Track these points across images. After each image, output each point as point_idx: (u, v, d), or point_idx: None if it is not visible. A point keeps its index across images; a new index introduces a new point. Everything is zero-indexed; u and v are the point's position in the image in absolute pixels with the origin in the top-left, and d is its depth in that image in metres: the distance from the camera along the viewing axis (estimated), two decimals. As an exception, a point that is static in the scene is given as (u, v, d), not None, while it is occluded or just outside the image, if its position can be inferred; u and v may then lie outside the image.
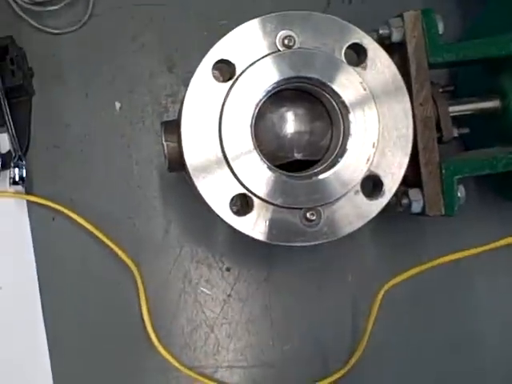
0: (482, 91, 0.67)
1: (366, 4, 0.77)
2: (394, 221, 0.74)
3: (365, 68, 0.58)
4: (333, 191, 0.57)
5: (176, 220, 0.75)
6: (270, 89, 0.57)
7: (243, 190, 0.57)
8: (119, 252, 0.72)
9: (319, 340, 0.75)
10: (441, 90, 0.65)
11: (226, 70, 0.58)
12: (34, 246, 0.73)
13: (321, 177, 0.57)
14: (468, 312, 0.76)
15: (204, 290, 0.75)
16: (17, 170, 0.70)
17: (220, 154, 0.57)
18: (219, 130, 0.57)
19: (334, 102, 0.58)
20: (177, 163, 0.59)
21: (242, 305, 0.75)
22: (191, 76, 0.57)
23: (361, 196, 0.58)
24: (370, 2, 0.78)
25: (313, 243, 0.58)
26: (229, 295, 0.75)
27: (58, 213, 0.73)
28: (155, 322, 0.73)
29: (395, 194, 0.59)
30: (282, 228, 0.57)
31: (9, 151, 0.72)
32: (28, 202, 0.74)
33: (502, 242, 0.68)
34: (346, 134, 0.58)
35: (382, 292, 0.69)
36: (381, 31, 0.60)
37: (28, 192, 0.73)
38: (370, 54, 0.58)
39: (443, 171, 0.61)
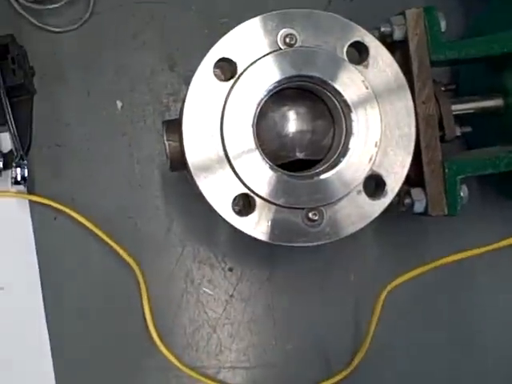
0: (485, 89, 0.67)
1: (367, 2, 0.77)
2: (396, 221, 0.73)
3: (367, 66, 0.58)
4: (335, 191, 0.57)
5: (178, 219, 0.75)
6: (271, 88, 0.57)
7: (245, 190, 0.57)
8: (121, 251, 0.72)
9: (322, 340, 0.75)
10: (443, 88, 0.65)
11: (227, 69, 0.57)
12: (36, 246, 0.73)
13: (323, 176, 0.57)
14: (470, 312, 0.76)
15: (206, 290, 0.75)
16: (19, 169, 0.70)
17: (222, 154, 0.57)
18: (221, 129, 0.56)
19: (335, 101, 0.58)
20: (178, 162, 0.59)
21: (244, 305, 0.75)
22: (192, 74, 0.57)
23: (363, 196, 0.58)
24: (371, -1, 0.77)
25: (315, 243, 0.58)
26: (231, 295, 0.75)
27: (59, 212, 0.73)
28: (157, 322, 0.73)
29: (398, 194, 0.59)
30: (284, 228, 0.57)
31: (10, 151, 0.72)
32: (30, 201, 0.74)
33: (505, 242, 0.67)
34: (348, 133, 0.57)
35: (384, 292, 0.68)
36: (383, 29, 0.60)
37: (30, 191, 0.73)
38: (371, 52, 0.58)
39: (446, 170, 0.60)
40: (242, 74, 0.56)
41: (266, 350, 0.75)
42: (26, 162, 0.71)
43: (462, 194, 0.61)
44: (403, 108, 0.58)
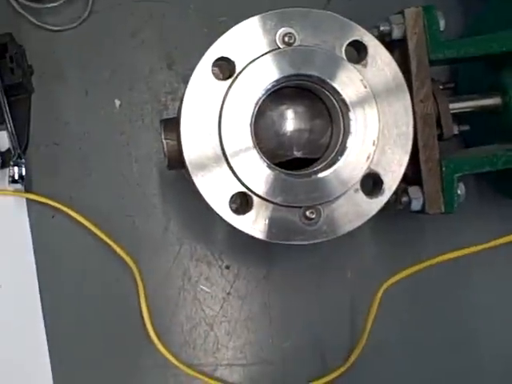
0: (483, 88, 0.67)
1: (366, 0, 0.77)
2: (393, 219, 0.73)
3: (365, 65, 0.58)
4: (332, 189, 0.57)
5: (175, 218, 0.75)
6: (269, 86, 0.57)
7: (243, 189, 0.57)
8: (118, 249, 0.72)
9: (318, 338, 0.75)
10: (441, 86, 0.65)
11: (225, 68, 0.57)
12: (33, 244, 0.73)
13: (320, 175, 0.57)
14: (467, 310, 0.76)
15: (203, 287, 0.75)
16: (16, 168, 0.70)
17: (219, 152, 0.57)
18: (219, 127, 0.56)
19: (334, 100, 0.58)
20: (176, 161, 0.59)
21: (241, 302, 0.75)
22: (191, 73, 0.57)
23: (360, 194, 0.58)
24: (370, -2, 0.77)
25: (312, 242, 0.58)
26: (228, 293, 0.75)
27: (57, 211, 0.73)
28: (154, 320, 0.73)
29: (395, 192, 0.59)
30: (281, 226, 0.57)
31: (8, 149, 0.72)
32: (27, 200, 0.74)
33: (502, 240, 0.68)
34: (346, 132, 0.57)
35: (381, 290, 0.69)
36: (381, 28, 0.60)
37: (27, 190, 0.73)
38: (370, 51, 0.58)
39: (443, 169, 0.60)
40: (240, 72, 0.56)
41: (262, 348, 0.75)
42: (23, 160, 0.71)
43: (459, 192, 0.61)
44: (401, 107, 0.58)
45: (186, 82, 0.57)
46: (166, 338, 0.73)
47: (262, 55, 0.56)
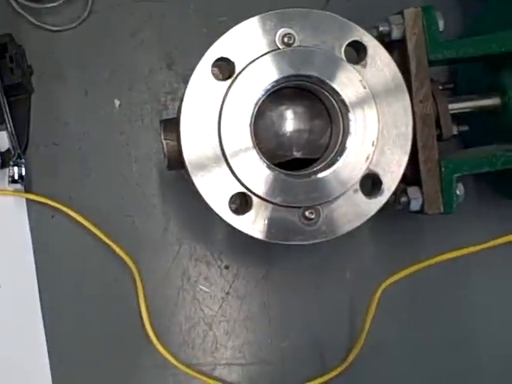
0: (482, 89, 0.67)
1: (365, 1, 0.77)
2: (392, 219, 0.74)
3: (365, 66, 0.58)
4: (332, 190, 0.57)
5: (175, 218, 0.75)
6: (269, 87, 0.57)
7: (242, 189, 0.57)
8: (118, 250, 0.72)
9: (317, 338, 0.75)
10: (441, 87, 0.65)
11: (225, 68, 0.57)
12: (33, 244, 0.73)
13: (320, 175, 0.57)
14: (466, 310, 0.76)
15: (202, 287, 0.75)
16: (16, 168, 0.70)
17: (219, 153, 0.57)
18: (218, 128, 0.56)
19: (333, 101, 0.58)
20: (176, 161, 0.59)
21: (240, 302, 0.75)
22: (191, 73, 0.57)
23: (360, 194, 0.58)
24: (369, -2, 0.78)
25: (311, 242, 0.58)
26: (227, 293, 0.75)
27: (57, 211, 0.73)
28: (153, 320, 0.73)
29: (394, 192, 0.59)
30: (280, 227, 0.57)
31: (8, 149, 0.72)
32: (27, 200, 0.74)
33: (501, 240, 0.68)
34: (346, 133, 0.57)
35: (380, 290, 0.69)
36: (381, 28, 0.60)
37: (27, 190, 0.73)
38: (369, 51, 0.58)
39: (442, 169, 0.60)
40: (240, 73, 0.56)
41: (261, 348, 0.75)
42: (23, 160, 0.71)
43: (458, 192, 0.61)
44: (400, 107, 0.58)
45: (185, 82, 0.58)
46: (165, 337, 0.73)
47: (262, 56, 0.56)
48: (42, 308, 0.73)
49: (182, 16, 0.76)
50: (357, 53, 0.59)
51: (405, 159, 0.58)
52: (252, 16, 0.57)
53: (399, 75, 0.58)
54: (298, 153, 0.61)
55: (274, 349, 0.75)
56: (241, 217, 0.57)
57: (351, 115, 0.57)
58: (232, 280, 0.75)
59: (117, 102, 0.75)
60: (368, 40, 0.58)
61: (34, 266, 0.73)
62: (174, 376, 0.74)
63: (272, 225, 0.57)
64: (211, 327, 0.74)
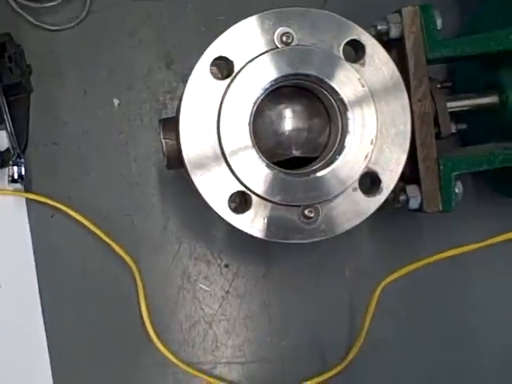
0: (480, 87, 0.67)
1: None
2: (391, 217, 0.74)
3: (363, 64, 0.58)
4: (331, 188, 0.57)
5: (174, 217, 0.75)
6: (268, 86, 0.57)
7: (241, 188, 0.57)
8: (118, 249, 0.72)
9: (317, 336, 0.75)
10: (439, 85, 0.65)
11: (224, 67, 0.58)
12: (33, 244, 0.73)
13: (319, 174, 0.57)
14: (465, 308, 0.76)
15: (202, 286, 0.75)
16: (15, 167, 0.70)
17: (218, 152, 0.57)
18: (217, 127, 0.57)
19: (332, 99, 0.58)
20: (175, 160, 0.59)
21: (240, 301, 0.75)
22: (189, 72, 0.57)
23: (359, 193, 0.58)
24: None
25: (311, 240, 0.58)
26: (227, 292, 0.75)
27: (56, 210, 0.73)
28: (154, 319, 0.73)
29: (393, 191, 0.59)
30: (280, 225, 0.58)
31: (7, 149, 0.72)
32: (27, 199, 0.74)
33: (499, 238, 0.68)
34: (344, 131, 0.58)
35: (379, 288, 0.69)
36: (379, 27, 0.60)
37: (27, 190, 0.74)
38: (368, 50, 0.58)
39: (441, 167, 0.61)
40: (238, 72, 0.57)
41: (261, 346, 0.75)
42: (22, 160, 0.71)
43: (456, 190, 0.61)
44: (399, 106, 0.58)
45: (184, 81, 0.58)
46: (165, 336, 0.73)
47: (260, 55, 0.57)
48: (42, 307, 0.73)
49: (181, 15, 0.76)
50: (355, 51, 0.59)
51: (403, 157, 0.58)
52: (250, 15, 0.57)
53: (397, 74, 0.58)
54: (297, 151, 0.61)
55: (273, 347, 0.75)
56: (240, 215, 0.57)
57: (350, 114, 0.57)
58: (232, 279, 0.75)
59: (116, 102, 0.75)
60: (366, 39, 0.58)
61: (33, 265, 0.73)
62: (175, 375, 0.74)
63: (271, 223, 0.57)
64: (211, 326, 0.75)
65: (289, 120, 0.61)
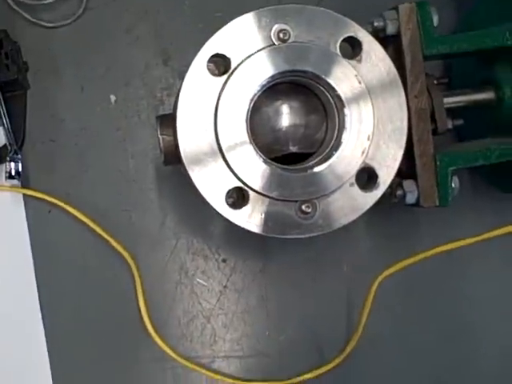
0: (477, 83, 0.67)
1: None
2: (388, 212, 0.74)
3: (360, 61, 0.58)
4: (328, 184, 0.57)
5: (172, 212, 0.75)
6: (265, 82, 0.57)
7: (239, 183, 0.57)
8: (116, 245, 0.72)
9: (314, 330, 0.75)
10: (435, 81, 0.65)
11: (221, 64, 0.58)
12: (30, 240, 0.73)
13: (316, 169, 0.58)
14: (461, 302, 0.76)
15: (200, 281, 0.75)
16: (13, 164, 0.70)
17: (215, 148, 0.57)
18: (215, 123, 0.57)
19: (329, 96, 0.58)
20: (172, 156, 0.59)
21: (238, 296, 0.75)
22: (186, 69, 0.57)
23: (356, 188, 0.58)
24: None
25: (308, 235, 0.58)
26: (225, 286, 0.75)
27: (54, 206, 0.73)
28: (152, 314, 0.73)
29: (390, 186, 0.59)
30: (277, 220, 0.58)
31: (4, 145, 0.72)
32: (24, 195, 0.74)
33: (496, 233, 0.68)
34: (341, 127, 0.58)
35: (376, 283, 0.69)
36: (375, 24, 0.60)
37: (24, 186, 0.73)
38: (364, 46, 0.58)
39: (438, 163, 0.61)
40: (235, 68, 0.57)
41: (259, 340, 0.75)
42: (20, 156, 0.71)
43: (453, 185, 0.61)
44: (396, 102, 0.58)
45: (181, 77, 0.58)
46: (163, 331, 0.73)
47: (257, 51, 0.57)
48: (40, 303, 0.73)
49: (178, 12, 0.76)
50: (352, 48, 0.59)
51: (400, 153, 0.59)
52: (247, 12, 0.57)
53: (394, 70, 0.58)
54: (294, 147, 0.61)
55: (271, 341, 0.75)
56: (237, 211, 0.57)
57: (347, 110, 0.57)
58: (229, 273, 0.75)
59: (113, 98, 0.75)
60: (363, 35, 0.58)
61: (31, 261, 0.73)
62: (173, 369, 0.74)
63: (269, 219, 0.58)
64: (209, 320, 0.75)
65: (286, 116, 0.61)
